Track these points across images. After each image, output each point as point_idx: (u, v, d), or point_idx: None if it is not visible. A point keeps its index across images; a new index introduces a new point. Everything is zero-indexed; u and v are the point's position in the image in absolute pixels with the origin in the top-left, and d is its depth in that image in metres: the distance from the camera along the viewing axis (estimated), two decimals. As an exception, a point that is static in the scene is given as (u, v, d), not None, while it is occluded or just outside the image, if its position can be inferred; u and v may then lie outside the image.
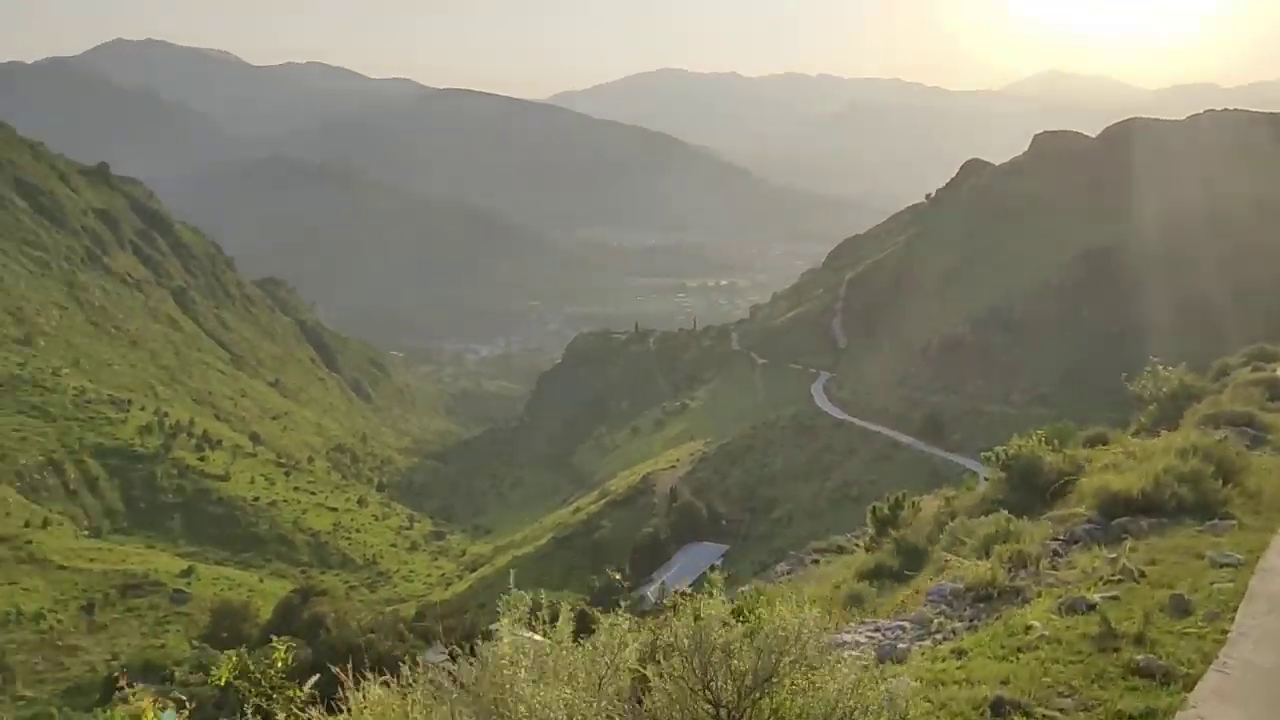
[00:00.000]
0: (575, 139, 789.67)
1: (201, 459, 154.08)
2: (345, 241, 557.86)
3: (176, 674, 37.50)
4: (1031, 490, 14.07)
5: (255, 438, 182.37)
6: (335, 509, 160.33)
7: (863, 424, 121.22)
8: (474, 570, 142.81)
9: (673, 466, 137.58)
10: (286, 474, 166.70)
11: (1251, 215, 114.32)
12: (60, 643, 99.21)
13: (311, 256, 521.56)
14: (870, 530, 15.67)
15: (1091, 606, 8.55)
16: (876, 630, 9.48)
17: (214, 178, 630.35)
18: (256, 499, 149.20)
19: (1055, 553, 10.95)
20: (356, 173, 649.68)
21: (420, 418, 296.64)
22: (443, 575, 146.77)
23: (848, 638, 9.20)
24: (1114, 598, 8.84)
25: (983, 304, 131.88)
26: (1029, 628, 8.20)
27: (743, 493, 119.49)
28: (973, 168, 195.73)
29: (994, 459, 15.23)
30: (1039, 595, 9.33)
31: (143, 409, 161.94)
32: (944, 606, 9.76)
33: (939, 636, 8.92)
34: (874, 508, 15.30)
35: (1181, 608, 8.56)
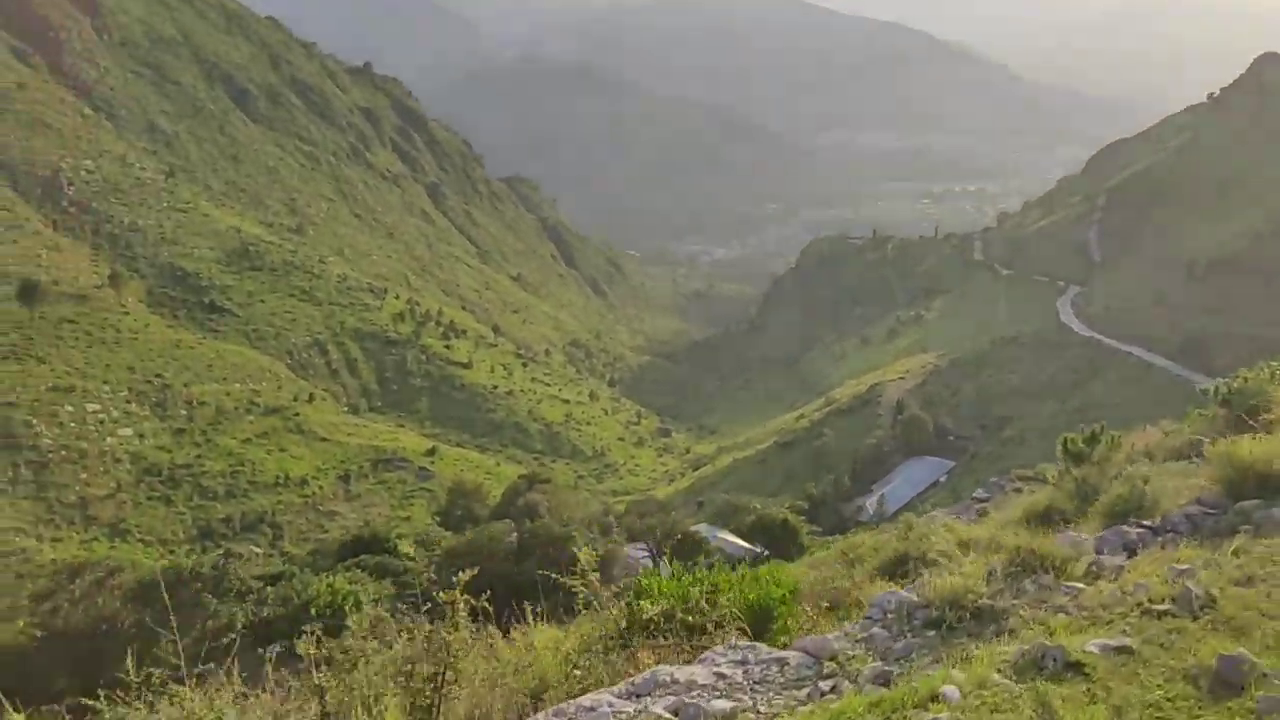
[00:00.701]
0: (824, 36, 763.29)
1: (448, 347, 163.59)
2: (590, 141, 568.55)
3: (399, 546, 40.52)
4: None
5: (497, 329, 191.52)
6: (568, 401, 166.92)
7: (1113, 343, 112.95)
8: (696, 469, 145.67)
9: (901, 378, 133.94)
10: (524, 365, 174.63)
11: None
12: (321, 507, 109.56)
13: (557, 156, 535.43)
14: (1061, 464, 13.93)
15: (1072, 665, 5.32)
16: (742, 664, 6.42)
17: (469, 78, 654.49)
18: (495, 387, 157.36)
19: (1125, 548, 7.60)
20: (602, 73, 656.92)
21: (653, 317, 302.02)
22: (666, 471, 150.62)
23: (680, 676, 6.21)
24: (1121, 650, 5.45)
25: (1266, 218, 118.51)
26: (937, 698, 5.15)
27: (974, 409, 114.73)
28: (1268, 62, 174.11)
29: (1213, 392, 13.19)
30: (1025, 627, 6.12)
31: (397, 297, 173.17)
32: (877, 629, 6.64)
33: (823, 687, 5.95)
34: (1065, 439, 13.59)
35: (1228, 680, 4.97)
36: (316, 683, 5.16)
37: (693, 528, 42.12)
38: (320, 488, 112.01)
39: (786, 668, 6.30)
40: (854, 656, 6.29)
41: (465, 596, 6.29)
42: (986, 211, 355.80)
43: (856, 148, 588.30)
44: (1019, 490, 18.60)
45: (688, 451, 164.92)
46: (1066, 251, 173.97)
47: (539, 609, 7.80)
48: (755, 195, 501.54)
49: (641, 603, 7.01)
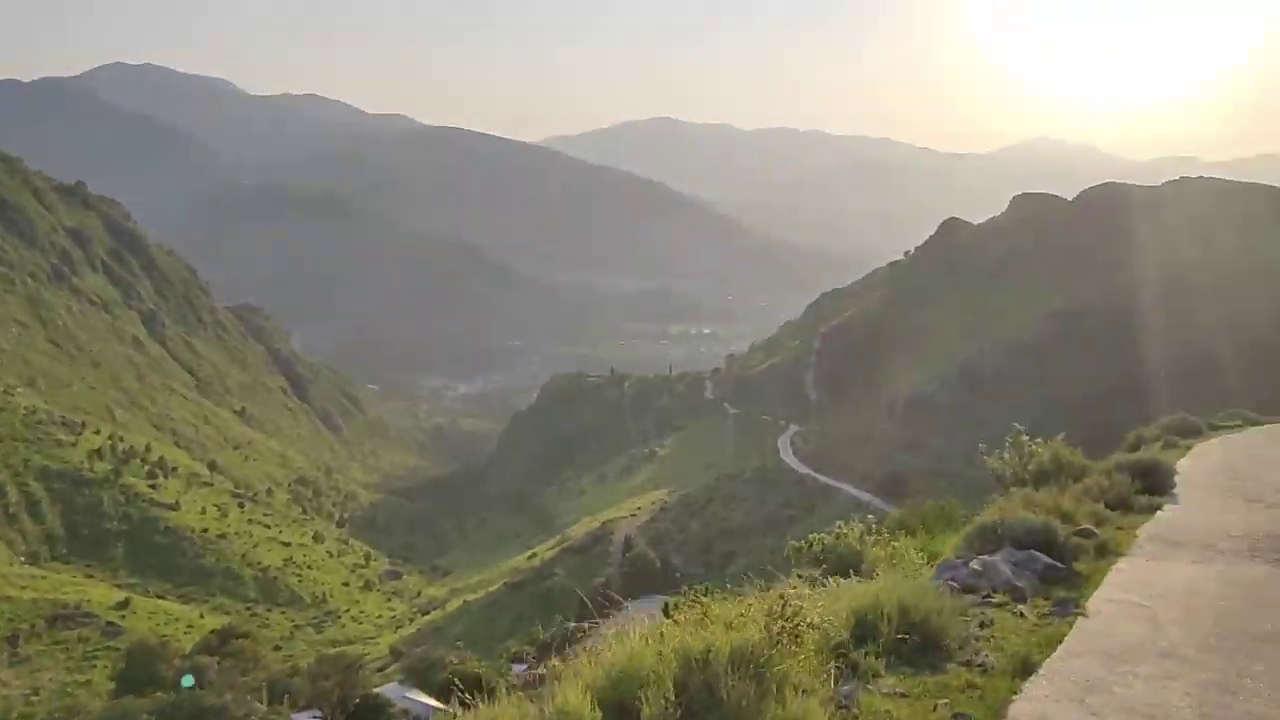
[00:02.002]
0: (568, 182, 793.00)
1: (153, 486, 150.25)
2: (334, 273, 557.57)
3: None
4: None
5: (214, 466, 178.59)
6: (289, 544, 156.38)
7: (825, 480, 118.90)
8: (426, 614, 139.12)
9: (632, 515, 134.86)
10: (241, 505, 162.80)
11: (1224, 280, 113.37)
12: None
13: (300, 287, 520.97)
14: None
15: None
16: None
17: (206, 204, 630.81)
18: (205, 530, 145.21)
19: None
20: (348, 205, 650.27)
21: (391, 453, 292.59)
22: (394, 617, 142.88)
23: None
24: None
25: (953, 362, 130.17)
26: None
27: (700, 545, 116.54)
28: (952, 226, 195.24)
29: (803, 549, 12.43)
30: None
31: (97, 432, 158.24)
32: None
33: None
34: (667, 603, 12.48)
35: None
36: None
37: (383, 688, 38.71)
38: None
39: None
40: None
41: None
42: (719, 352, 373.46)
43: (600, 288, 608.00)
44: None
45: (419, 595, 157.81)
46: (787, 391, 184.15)
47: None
48: (500, 331, 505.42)
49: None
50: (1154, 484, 14.52)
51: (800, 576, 13.52)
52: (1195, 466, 18.10)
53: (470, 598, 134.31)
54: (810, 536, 12.65)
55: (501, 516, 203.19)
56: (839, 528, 12.71)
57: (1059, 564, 9.25)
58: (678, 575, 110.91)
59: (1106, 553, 10.20)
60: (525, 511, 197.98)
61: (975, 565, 8.75)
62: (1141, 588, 8.85)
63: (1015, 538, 9.71)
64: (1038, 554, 9.32)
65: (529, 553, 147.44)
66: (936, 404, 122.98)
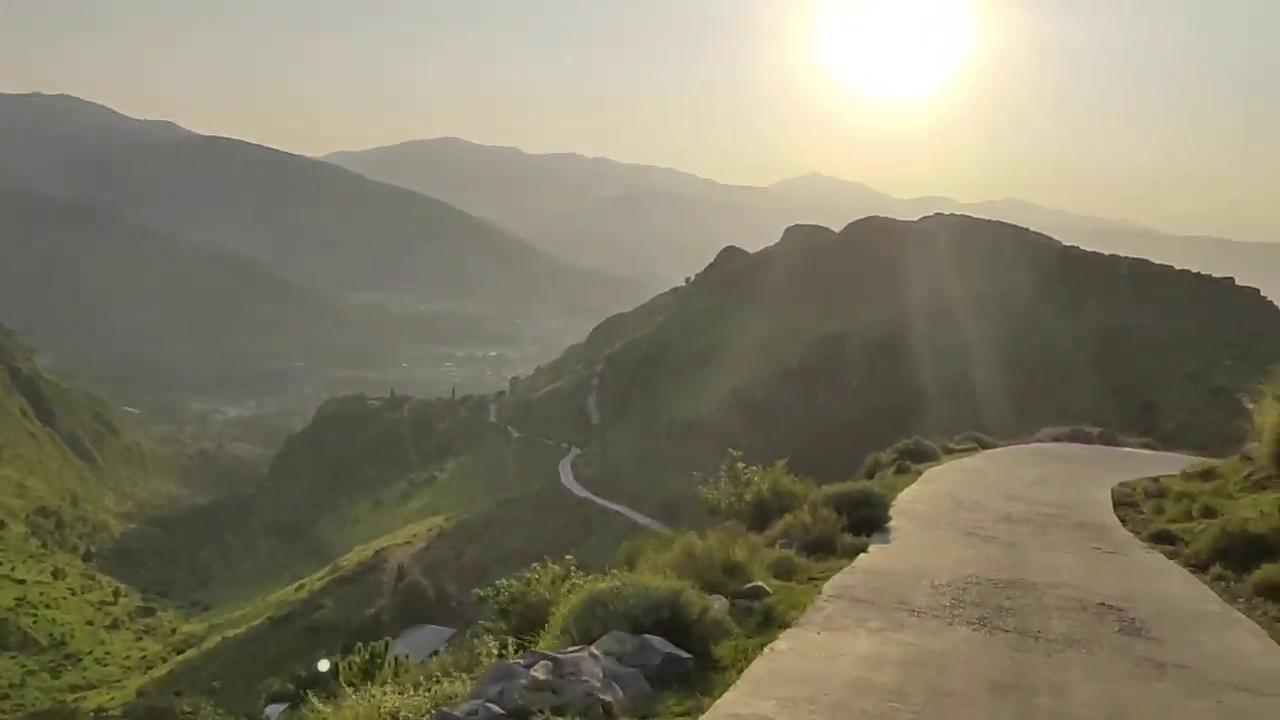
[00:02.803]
0: (350, 199, 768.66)
1: None
2: (91, 289, 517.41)
3: None
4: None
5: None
6: (23, 581, 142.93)
7: (604, 503, 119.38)
8: (181, 653, 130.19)
9: (408, 542, 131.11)
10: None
11: (971, 308, 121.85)
12: None
13: (51, 303, 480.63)
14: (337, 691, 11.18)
15: None
16: None
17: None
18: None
19: None
20: (108, 215, 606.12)
21: (149, 480, 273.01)
22: (144, 657, 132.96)
23: None
24: None
25: (726, 386, 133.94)
26: None
27: (477, 572, 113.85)
28: (729, 254, 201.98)
29: (489, 598, 11.55)
30: None
31: None
32: None
33: None
34: (337, 663, 11.32)
35: None
36: None
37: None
38: None
39: None
40: None
41: None
42: (505, 375, 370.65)
43: (385, 309, 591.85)
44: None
45: (174, 632, 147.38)
46: (571, 414, 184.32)
47: None
48: (278, 352, 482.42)
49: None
50: (867, 518, 13.07)
51: (489, 631, 12.13)
52: (920, 494, 17.56)
53: (231, 633, 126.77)
54: (498, 583, 11.73)
55: (270, 546, 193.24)
56: (534, 571, 11.89)
57: (684, 653, 6.81)
58: (453, 604, 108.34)
59: (772, 622, 8.10)
60: (296, 540, 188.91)
61: (538, 671, 5.93)
62: (791, 685, 6.64)
63: (632, 615, 7.14)
64: (653, 640, 6.80)
65: (297, 584, 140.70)
66: (711, 428, 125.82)
